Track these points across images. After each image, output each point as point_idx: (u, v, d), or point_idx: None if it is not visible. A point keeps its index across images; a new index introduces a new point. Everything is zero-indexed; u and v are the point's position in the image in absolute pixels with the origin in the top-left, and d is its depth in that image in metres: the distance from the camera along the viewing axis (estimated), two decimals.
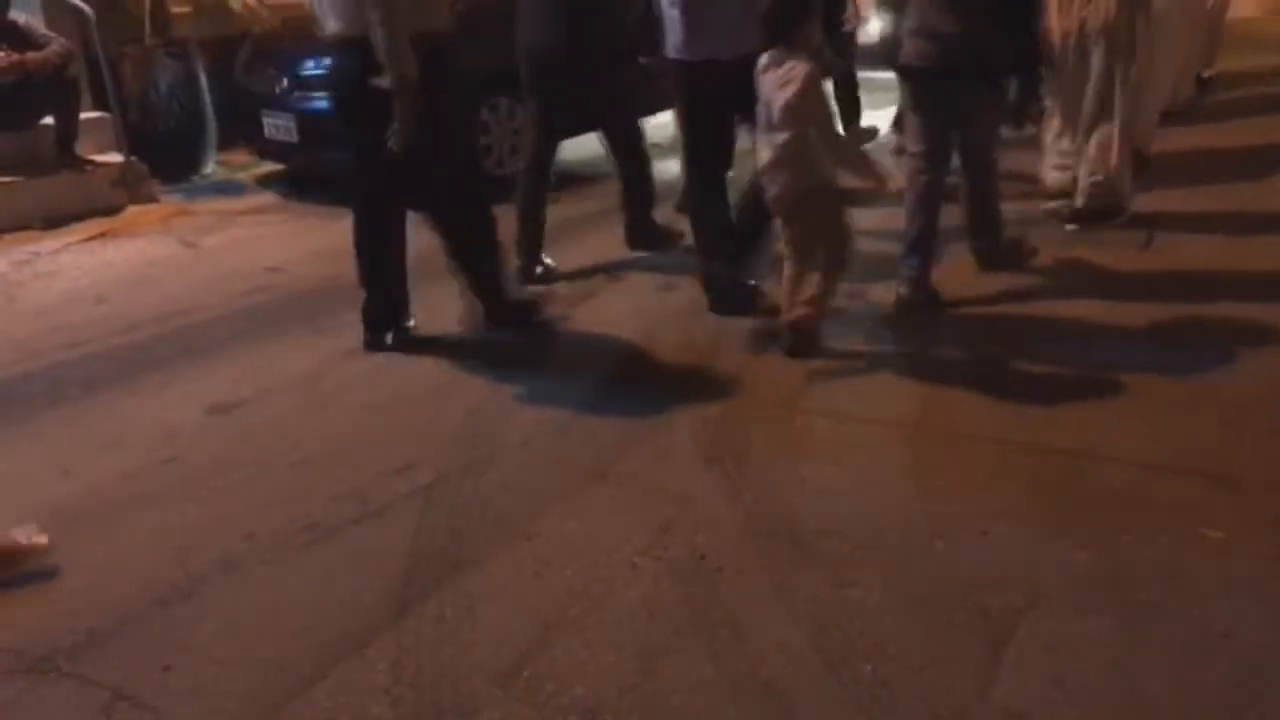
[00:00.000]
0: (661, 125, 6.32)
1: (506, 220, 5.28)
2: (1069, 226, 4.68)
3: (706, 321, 4.04)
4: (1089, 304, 3.92)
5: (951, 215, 4.21)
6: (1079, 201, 4.63)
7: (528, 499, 2.86)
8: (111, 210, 6.12)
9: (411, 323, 4.07)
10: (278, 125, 6.26)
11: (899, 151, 4.77)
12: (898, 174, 4.08)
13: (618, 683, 2.15)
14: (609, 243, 5.01)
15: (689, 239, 4.37)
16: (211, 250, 5.54)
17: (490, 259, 4.03)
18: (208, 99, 7.01)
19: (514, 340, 4.00)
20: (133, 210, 6.17)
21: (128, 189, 6.27)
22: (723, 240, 4.09)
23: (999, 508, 2.67)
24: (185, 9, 7.34)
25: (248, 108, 6.60)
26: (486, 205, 3.97)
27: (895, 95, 4.70)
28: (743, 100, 3.68)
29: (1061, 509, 2.66)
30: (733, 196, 4.15)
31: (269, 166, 7.06)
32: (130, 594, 2.54)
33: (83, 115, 6.30)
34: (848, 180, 3.62)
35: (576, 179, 6.25)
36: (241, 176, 7.11)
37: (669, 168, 5.39)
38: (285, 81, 6.26)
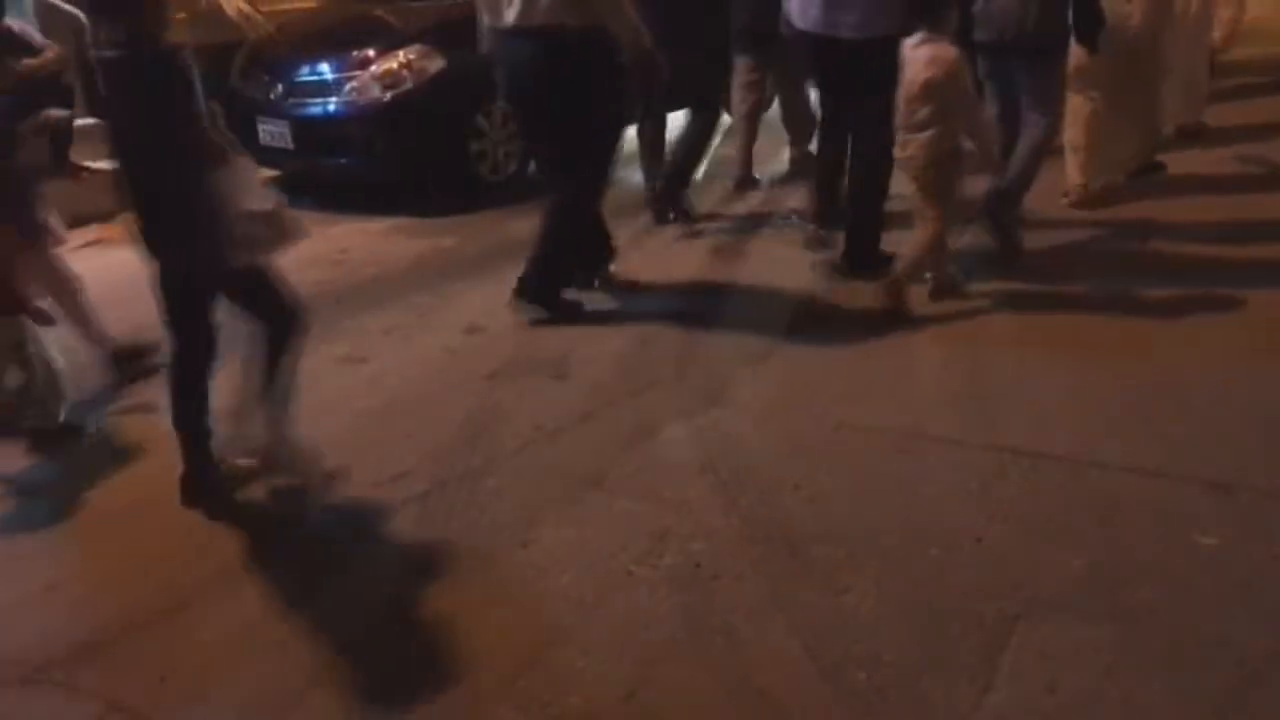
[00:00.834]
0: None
1: (503, 222, 5.31)
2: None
3: (701, 329, 4.05)
4: (1082, 305, 3.94)
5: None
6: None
7: (523, 506, 2.86)
8: (107, 216, 6.10)
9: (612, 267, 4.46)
10: (272, 131, 6.25)
11: None
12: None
13: (614, 691, 2.15)
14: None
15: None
16: None
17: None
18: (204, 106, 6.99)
19: (509, 347, 4.01)
20: (127, 217, 6.16)
21: (122, 196, 6.26)
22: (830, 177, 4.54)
23: (993, 514, 2.68)
24: (180, 15, 7.33)
25: (243, 114, 6.59)
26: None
27: None
28: (861, 80, 4.09)
29: (1056, 515, 2.67)
30: None
31: (264, 173, 7.05)
32: (126, 604, 2.54)
33: (77, 121, 6.29)
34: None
35: None
36: None
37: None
38: (280, 88, 6.26)
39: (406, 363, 3.93)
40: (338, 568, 2.66)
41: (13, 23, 6.01)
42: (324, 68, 6.11)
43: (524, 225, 5.40)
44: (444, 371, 3.83)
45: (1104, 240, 4.71)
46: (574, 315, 4.19)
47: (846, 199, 4.53)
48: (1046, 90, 4.38)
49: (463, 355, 3.97)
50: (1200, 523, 2.58)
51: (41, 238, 3.63)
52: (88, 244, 5.73)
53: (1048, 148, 4.49)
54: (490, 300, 4.42)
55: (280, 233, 2.87)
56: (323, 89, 6.09)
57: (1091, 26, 4.26)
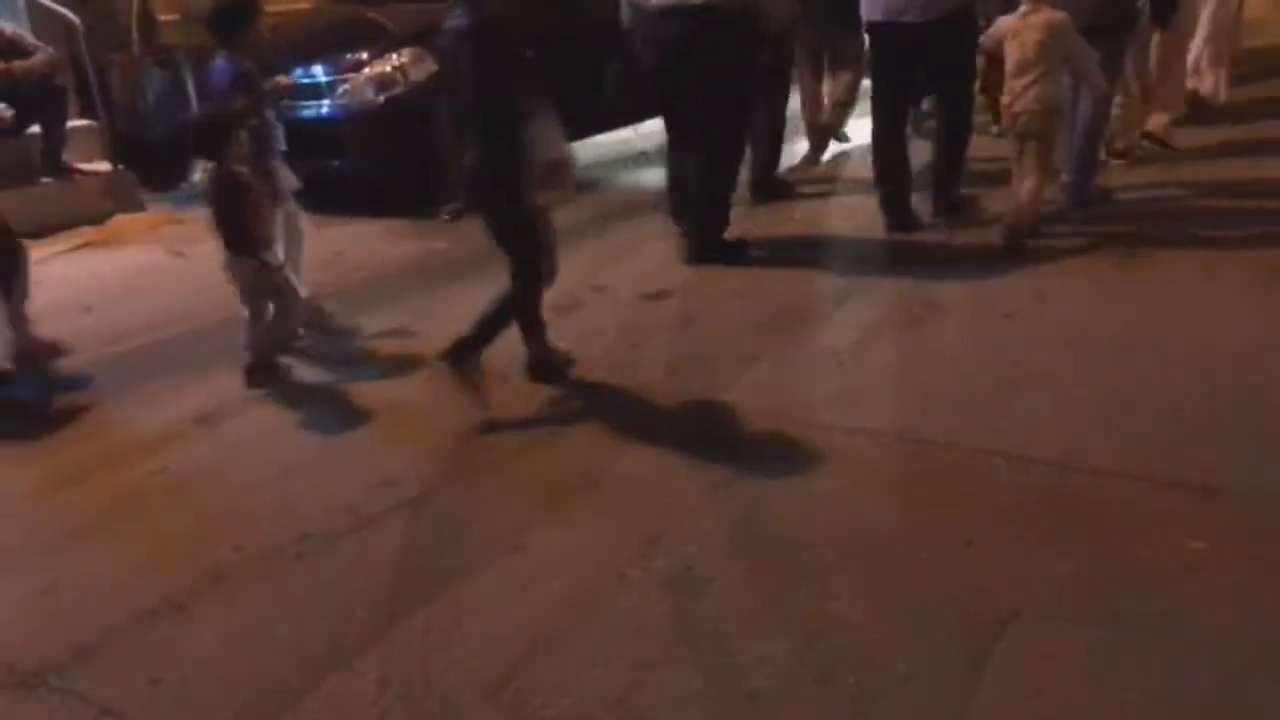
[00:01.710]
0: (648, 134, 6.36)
1: None
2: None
3: (692, 333, 4.06)
4: (1071, 311, 3.96)
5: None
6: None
7: (516, 510, 2.87)
8: (99, 219, 6.11)
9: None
10: None
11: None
12: None
13: (605, 695, 2.16)
14: (600, 252, 5.04)
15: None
16: (200, 259, 5.51)
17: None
18: (196, 108, 7.00)
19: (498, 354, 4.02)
20: (120, 219, 6.17)
21: (115, 198, 6.27)
22: (900, 174, 4.98)
23: (982, 518, 2.69)
24: (173, 17, 7.34)
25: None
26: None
27: None
28: (929, 59, 4.68)
29: (1044, 520, 2.68)
30: None
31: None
32: (119, 607, 2.55)
33: (70, 124, 6.30)
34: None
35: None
36: None
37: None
38: None
39: (399, 364, 3.94)
40: (331, 572, 2.67)
41: (4, 25, 6.04)
42: (317, 70, 6.12)
43: None
44: (437, 374, 3.82)
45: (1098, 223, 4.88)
46: (745, 256, 4.80)
47: (938, 158, 5.08)
48: (1111, 60, 4.74)
49: None
50: (1188, 526, 2.59)
51: (278, 188, 4.10)
52: (79, 247, 5.73)
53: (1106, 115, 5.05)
54: (482, 303, 4.43)
55: (567, 180, 3.46)
56: (316, 91, 6.10)
57: (1167, 9, 5.09)
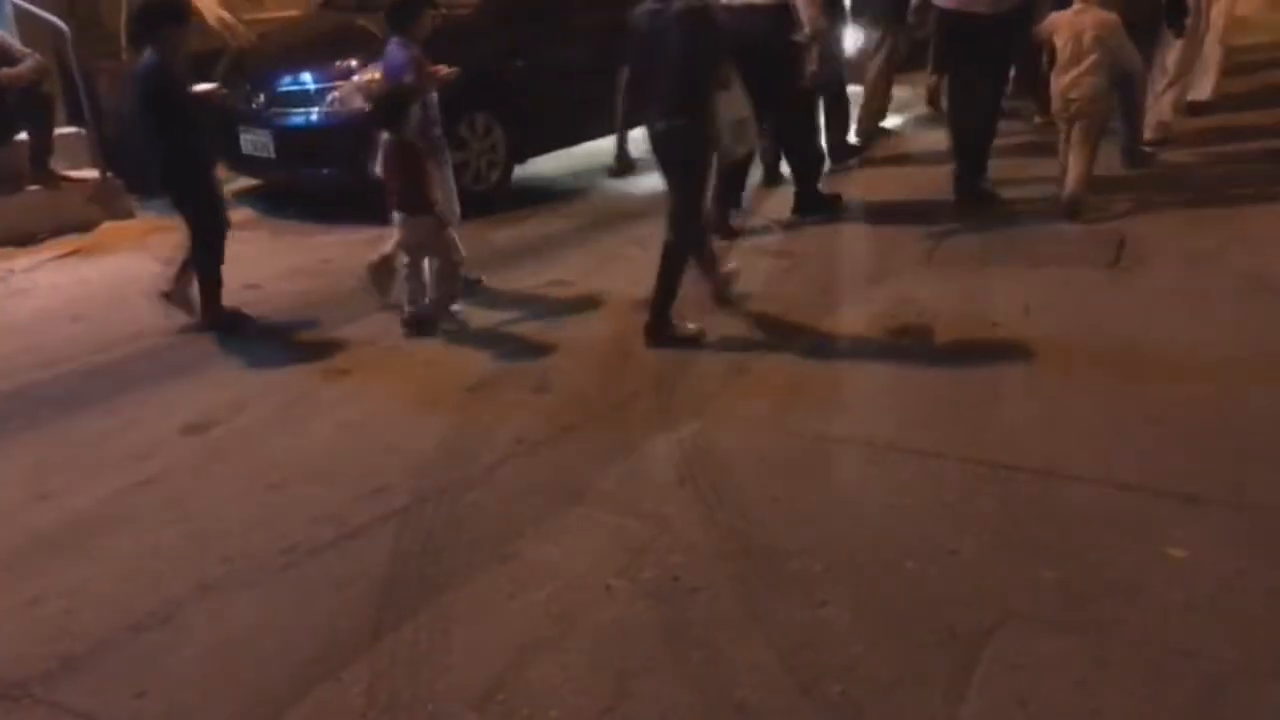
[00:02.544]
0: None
1: (485, 232, 5.33)
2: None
3: (680, 341, 4.07)
4: (1056, 319, 3.99)
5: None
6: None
7: (503, 520, 2.88)
8: (87, 227, 6.08)
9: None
10: (254, 141, 6.24)
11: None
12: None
13: (592, 706, 2.17)
14: (585, 260, 5.05)
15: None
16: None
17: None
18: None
19: (492, 360, 4.03)
20: (108, 226, 6.13)
21: (103, 205, 6.23)
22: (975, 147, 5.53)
23: (968, 527, 2.71)
24: None
25: (224, 123, 6.58)
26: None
27: None
28: (994, 49, 5.26)
29: (1029, 528, 2.70)
30: None
31: (245, 181, 7.04)
32: (105, 619, 2.55)
33: (58, 131, 6.27)
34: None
35: (553, 196, 6.30)
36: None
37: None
38: (262, 97, 6.25)
39: (388, 374, 3.94)
40: (318, 583, 2.67)
41: None
42: (306, 77, 6.10)
43: (506, 235, 5.45)
44: (426, 383, 3.84)
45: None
46: (838, 207, 5.64)
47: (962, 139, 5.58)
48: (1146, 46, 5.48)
49: (444, 367, 3.98)
50: (1171, 535, 2.62)
51: (440, 153, 4.55)
52: (67, 254, 5.70)
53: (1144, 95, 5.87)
54: (472, 312, 4.44)
55: (750, 134, 4.44)
56: (305, 98, 6.08)
57: (1179, 16, 5.70)
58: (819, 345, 3.95)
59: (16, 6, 6.23)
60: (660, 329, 3.99)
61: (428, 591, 2.59)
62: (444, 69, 4.55)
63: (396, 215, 4.22)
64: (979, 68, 5.37)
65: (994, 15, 5.11)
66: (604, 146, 7.22)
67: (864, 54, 6.91)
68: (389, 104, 4.22)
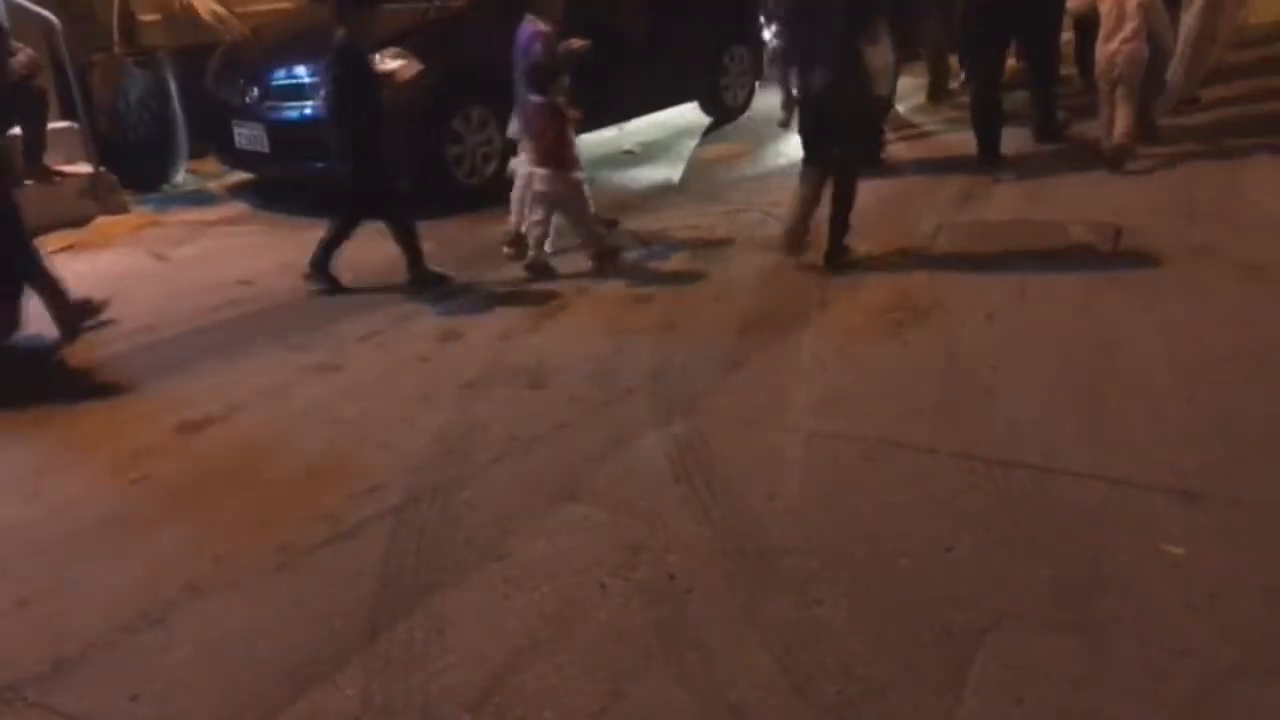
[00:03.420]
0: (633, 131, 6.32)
1: (480, 225, 5.31)
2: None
3: (676, 336, 4.06)
4: (1052, 312, 3.98)
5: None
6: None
7: (497, 519, 2.87)
8: (80, 221, 6.06)
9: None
10: (248, 135, 6.22)
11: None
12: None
13: (587, 707, 2.16)
14: (580, 257, 5.03)
15: None
16: (182, 262, 5.51)
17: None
18: (178, 108, 6.96)
19: (482, 356, 4.01)
20: (102, 221, 6.11)
21: (97, 200, 6.21)
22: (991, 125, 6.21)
23: (963, 524, 2.70)
24: (154, 18, 7.29)
25: (218, 117, 6.55)
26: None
27: None
28: (1019, 23, 6.10)
29: (1025, 525, 2.69)
30: None
31: (240, 176, 7.02)
32: (97, 620, 2.53)
33: (51, 125, 6.24)
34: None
35: None
36: (212, 186, 7.06)
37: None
38: (256, 91, 6.22)
39: (382, 371, 3.93)
40: (312, 583, 2.65)
41: None
42: (300, 71, 6.07)
43: (499, 230, 5.42)
44: (420, 380, 3.82)
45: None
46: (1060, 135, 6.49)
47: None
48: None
49: (439, 364, 3.97)
50: (1167, 532, 2.60)
51: (566, 112, 4.83)
52: (61, 249, 5.67)
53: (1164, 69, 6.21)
54: (467, 307, 4.42)
55: (886, 80, 5.72)
56: (299, 92, 6.05)
57: None
58: (816, 339, 3.94)
59: (8, 0, 6.19)
60: (837, 255, 4.63)
61: (422, 591, 2.57)
62: (576, 42, 4.79)
63: (541, 172, 4.69)
64: (1036, 41, 6.32)
65: None
66: (599, 138, 7.27)
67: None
68: (543, 71, 4.62)
